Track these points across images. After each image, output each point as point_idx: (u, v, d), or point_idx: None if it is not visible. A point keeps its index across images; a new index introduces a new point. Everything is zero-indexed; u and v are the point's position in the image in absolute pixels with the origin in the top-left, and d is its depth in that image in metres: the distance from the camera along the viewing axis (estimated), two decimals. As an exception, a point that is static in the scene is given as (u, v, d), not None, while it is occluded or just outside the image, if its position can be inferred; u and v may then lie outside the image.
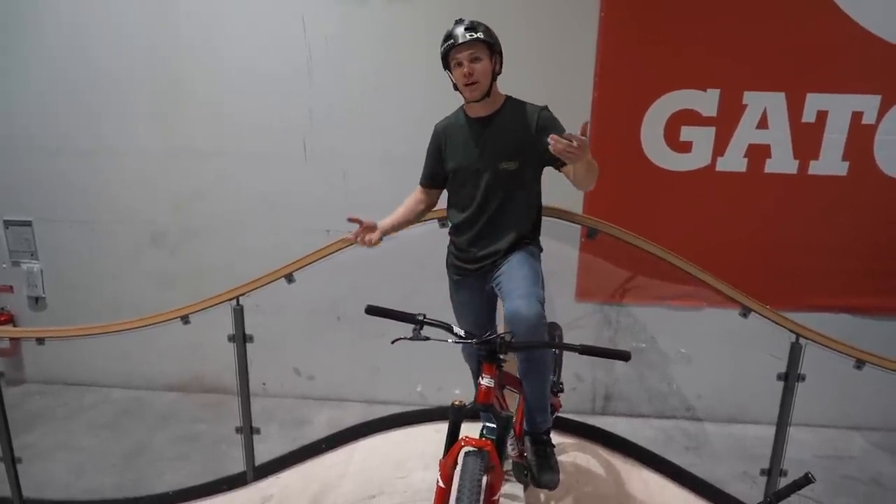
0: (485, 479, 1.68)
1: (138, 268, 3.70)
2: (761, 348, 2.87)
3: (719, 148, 3.20)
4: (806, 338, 2.51)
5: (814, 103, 3.11)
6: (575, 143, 1.78)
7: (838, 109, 3.11)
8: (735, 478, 3.01)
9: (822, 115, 3.12)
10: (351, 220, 2.17)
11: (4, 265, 3.79)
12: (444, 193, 2.38)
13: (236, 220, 3.56)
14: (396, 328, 1.81)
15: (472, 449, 1.71)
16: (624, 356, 1.64)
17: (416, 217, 2.41)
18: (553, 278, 2.92)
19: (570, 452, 2.86)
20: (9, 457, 2.67)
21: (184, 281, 3.60)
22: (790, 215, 3.28)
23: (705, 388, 3.56)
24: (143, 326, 2.71)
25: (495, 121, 2.18)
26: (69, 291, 3.79)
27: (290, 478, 2.87)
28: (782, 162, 3.19)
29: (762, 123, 3.15)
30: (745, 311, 2.59)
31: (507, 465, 2.53)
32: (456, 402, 1.76)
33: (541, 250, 2.34)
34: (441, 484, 1.72)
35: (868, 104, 3.09)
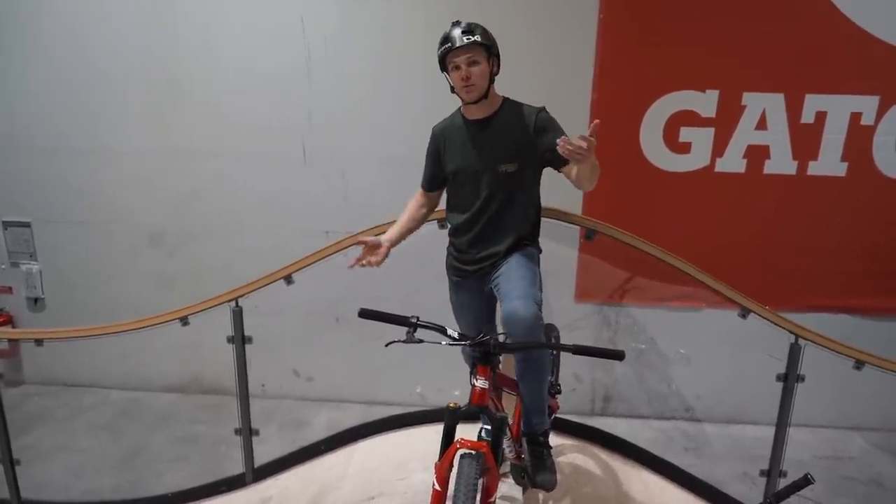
0: (480, 481, 1.68)
1: (137, 268, 3.69)
2: (760, 349, 2.87)
3: (718, 149, 3.20)
4: (805, 338, 2.51)
5: (812, 104, 3.10)
6: (585, 145, 1.79)
7: (837, 110, 3.10)
8: (735, 479, 3.01)
9: (820, 116, 3.12)
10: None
11: (3, 266, 3.79)
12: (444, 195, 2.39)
13: (235, 220, 3.56)
14: (395, 330, 1.81)
15: (467, 451, 1.70)
16: (618, 355, 1.64)
17: (420, 221, 2.42)
18: (552, 279, 2.93)
19: (570, 454, 2.86)
20: (7, 458, 2.67)
21: (182, 282, 3.59)
22: (789, 216, 3.28)
23: (705, 389, 3.56)
24: (142, 328, 2.71)
25: (493, 123, 2.18)
26: (68, 292, 3.78)
27: (289, 479, 2.87)
28: (781, 163, 3.19)
29: (761, 124, 3.15)
30: (745, 312, 2.59)
31: (506, 468, 2.53)
32: (451, 404, 1.75)
33: (540, 251, 2.34)
34: (437, 486, 1.72)
35: (867, 105, 3.09)
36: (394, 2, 3.16)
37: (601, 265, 3.34)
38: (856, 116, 3.11)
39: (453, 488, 1.66)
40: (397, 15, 3.17)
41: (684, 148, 3.21)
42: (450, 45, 2.04)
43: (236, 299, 2.67)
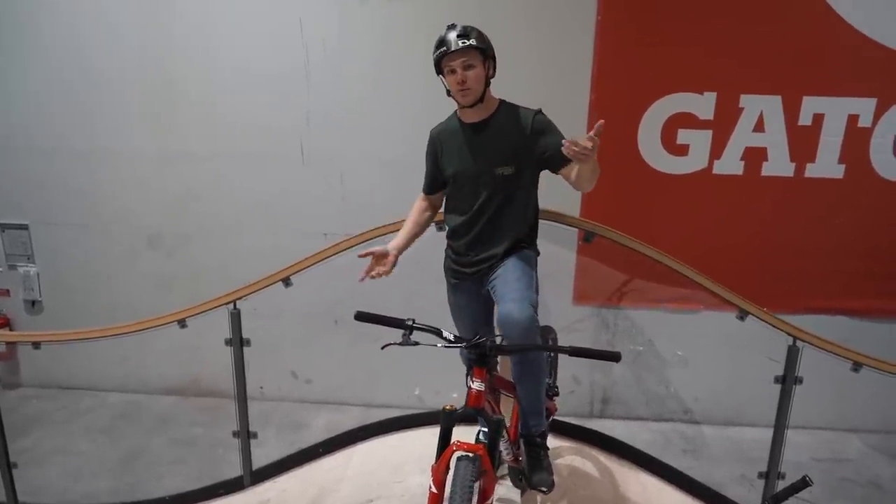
0: (477, 483, 1.68)
1: (135, 270, 3.69)
2: (758, 351, 2.87)
3: (716, 151, 3.20)
4: (803, 340, 2.51)
5: (810, 106, 3.11)
6: (591, 145, 1.80)
7: (834, 112, 3.11)
8: (733, 481, 3.00)
9: (818, 118, 3.12)
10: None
11: (1, 269, 3.79)
12: (443, 196, 2.39)
13: (233, 222, 3.56)
14: (392, 332, 1.81)
15: (463, 453, 1.70)
16: (614, 357, 1.65)
17: (425, 225, 2.42)
18: (550, 281, 2.94)
19: (568, 456, 2.87)
20: (4, 462, 2.66)
21: (181, 283, 3.59)
22: (787, 218, 3.28)
23: (703, 391, 3.55)
24: (140, 330, 2.70)
25: (490, 126, 2.18)
26: (66, 294, 3.78)
27: (287, 482, 2.87)
28: (779, 165, 3.20)
29: (759, 126, 3.15)
30: (743, 314, 2.59)
31: (504, 470, 2.53)
32: (447, 407, 1.75)
33: (538, 254, 2.34)
34: (433, 489, 1.71)
35: (864, 107, 3.09)
36: (392, 3, 3.16)
37: (599, 267, 3.34)
38: (853, 118, 3.11)
39: (449, 491, 1.66)
40: (396, 16, 3.17)
41: (682, 150, 3.22)
42: (445, 48, 2.04)
43: (234, 301, 2.67)
